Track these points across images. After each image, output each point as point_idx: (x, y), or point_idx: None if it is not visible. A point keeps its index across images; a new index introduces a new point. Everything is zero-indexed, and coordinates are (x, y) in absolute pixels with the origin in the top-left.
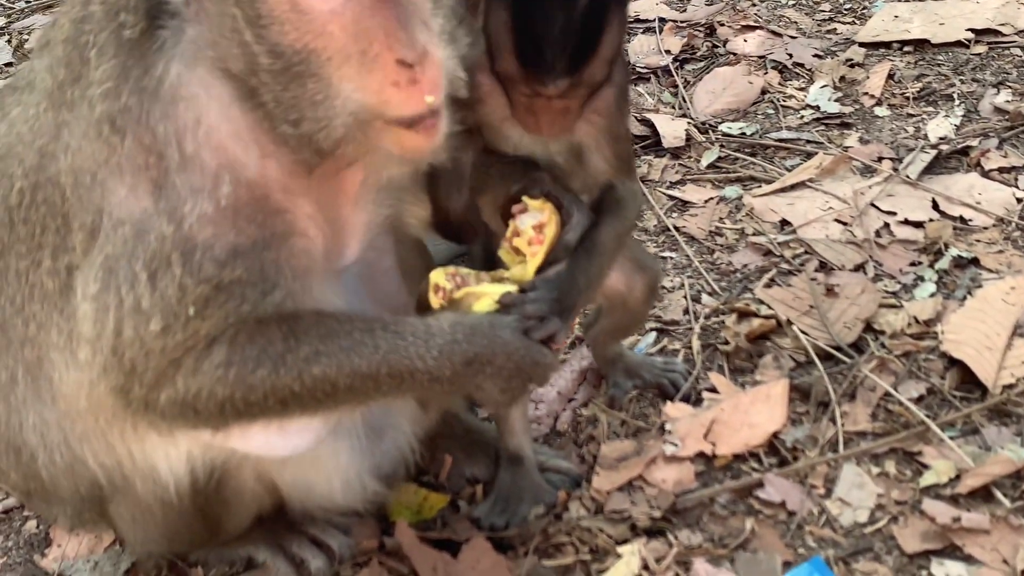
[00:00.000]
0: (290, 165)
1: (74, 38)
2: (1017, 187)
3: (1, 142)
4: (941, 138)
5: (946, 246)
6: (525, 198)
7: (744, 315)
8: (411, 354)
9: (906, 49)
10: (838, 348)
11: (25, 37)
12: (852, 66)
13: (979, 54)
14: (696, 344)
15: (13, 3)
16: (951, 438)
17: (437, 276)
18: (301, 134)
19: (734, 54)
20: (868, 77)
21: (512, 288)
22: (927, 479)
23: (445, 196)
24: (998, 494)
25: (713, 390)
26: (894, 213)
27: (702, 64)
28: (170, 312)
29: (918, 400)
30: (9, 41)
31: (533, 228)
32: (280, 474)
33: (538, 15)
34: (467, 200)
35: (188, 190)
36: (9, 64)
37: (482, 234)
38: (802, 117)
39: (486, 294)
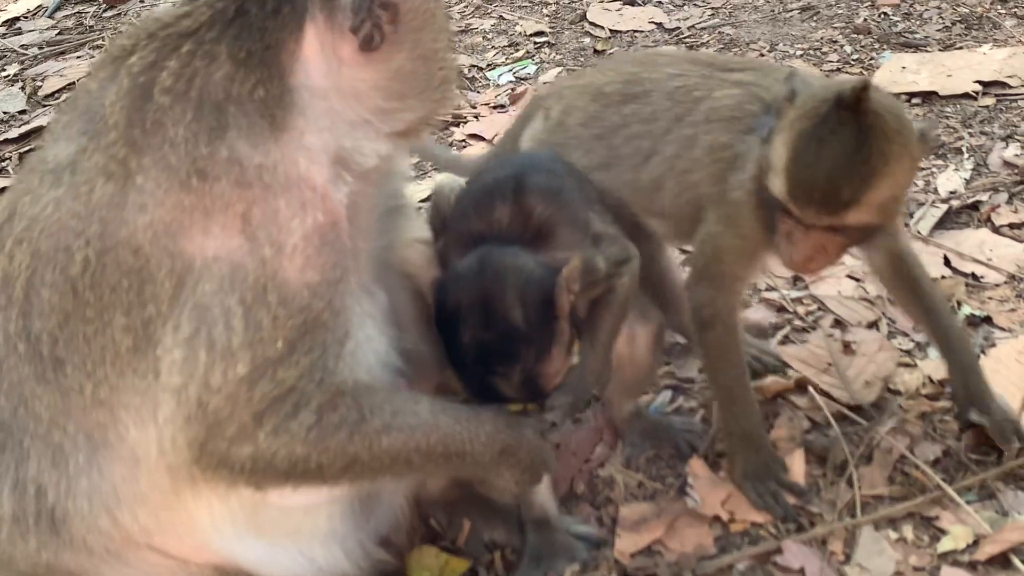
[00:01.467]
0: (351, 199)
1: (132, 122)
2: None
3: (49, 221)
4: (951, 192)
5: (959, 304)
6: None
7: (759, 372)
8: (464, 437)
9: (914, 101)
10: (857, 408)
11: (39, 84)
12: None
13: (987, 106)
14: (708, 400)
15: (27, 49)
16: (969, 502)
17: None
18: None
19: None
20: None
21: None
22: (945, 545)
23: None
24: (1016, 561)
25: None
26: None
27: None
28: (260, 353)
29: (934, 463)
30: (23, 88)
31: None
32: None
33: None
34: None
35: (282, 221)
36: (23, 111)
37: None
38: None
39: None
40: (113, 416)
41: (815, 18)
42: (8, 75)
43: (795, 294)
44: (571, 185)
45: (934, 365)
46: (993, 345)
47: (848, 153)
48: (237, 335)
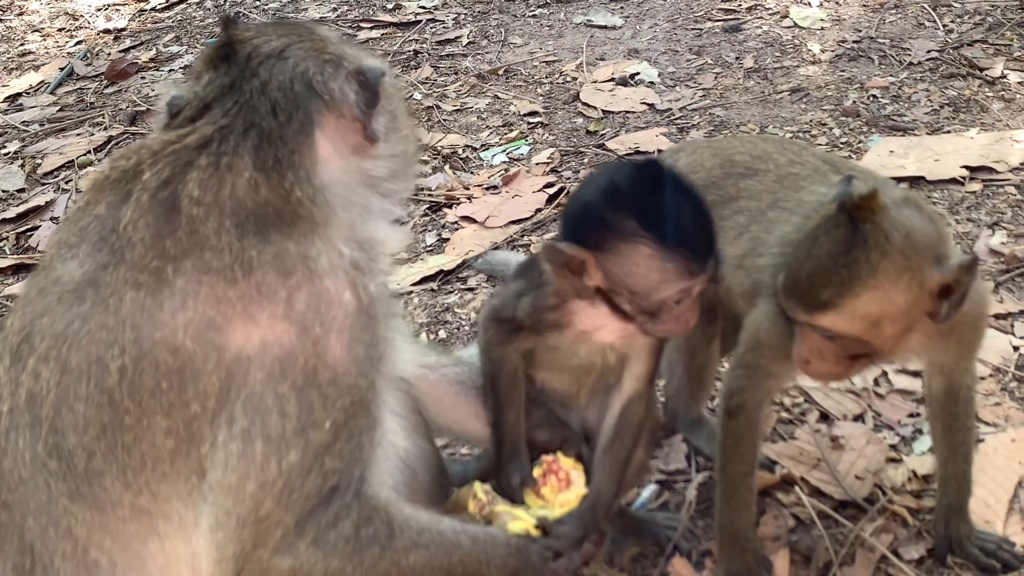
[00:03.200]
0: (377, 287)
1: (162, 234)
2: (1013, 334)
3: (77, 336)
4: None
5: None
6: (559, 453)
7: None
8: (481, 559)
9: (902, 185)
10: (842, 504)
11: (38, 161)
12: None
13: (974, 192)
14: (691, 497)
15: (28, 126)
16: None
17: (479, 488)
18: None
19: None
20: None
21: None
22: None
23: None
24: None
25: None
26: (891, 362)
27: None
28: (311, 439)
29: (918, 562)
30: (22, 166)
31: (559, 480)
32: None
33: None
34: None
35: (328, 302)
36: (21, 190)
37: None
38: None
39: (520, 517)
40: (151, 527)
41: (804, 100)
42: (8, 152)
43: None
44: None
45: (919, 461)
46: (980, 440)
47: (834, 254)
48: (291, 421)
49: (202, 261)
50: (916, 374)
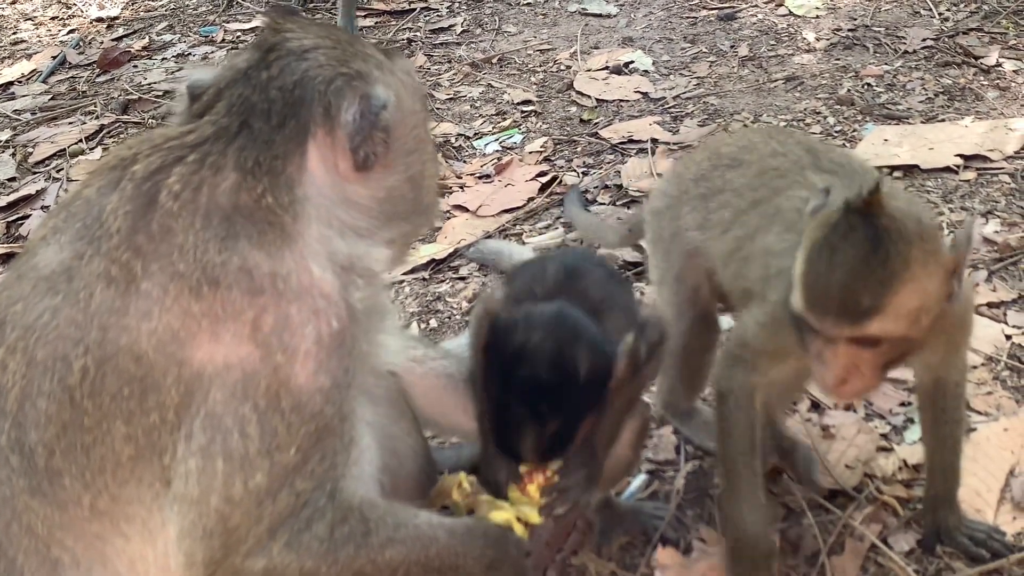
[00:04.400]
0: (360, 304)
1: (137, 228)
2: (1006, 323)
3: (45, 329)
4: None
5: None
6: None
7: None
8: (459, 551)
9: (896, 175)
10: (832, 494)
11: (29, 150)
12: None
13: (968, 180)
14: (680, 486)
15: (19, 115)
16: None
17: (464, 478)
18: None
19: None
20: None
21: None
22: None
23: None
24: None
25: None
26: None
27: None
28: (277, 461)
29: (908, 553)
30: (13, 155)
31: (546, 478)
32: None
33: None
34: None
35: (294, 328)
36: (12, 179)
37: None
38: None
39: (503, 508)
40: (113, 528)
41: (799, 89)
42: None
43: None
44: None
45: (910, 450)
46: (973, 429)
47: (863, 257)
48: (253, 443)
49: (170, 264)
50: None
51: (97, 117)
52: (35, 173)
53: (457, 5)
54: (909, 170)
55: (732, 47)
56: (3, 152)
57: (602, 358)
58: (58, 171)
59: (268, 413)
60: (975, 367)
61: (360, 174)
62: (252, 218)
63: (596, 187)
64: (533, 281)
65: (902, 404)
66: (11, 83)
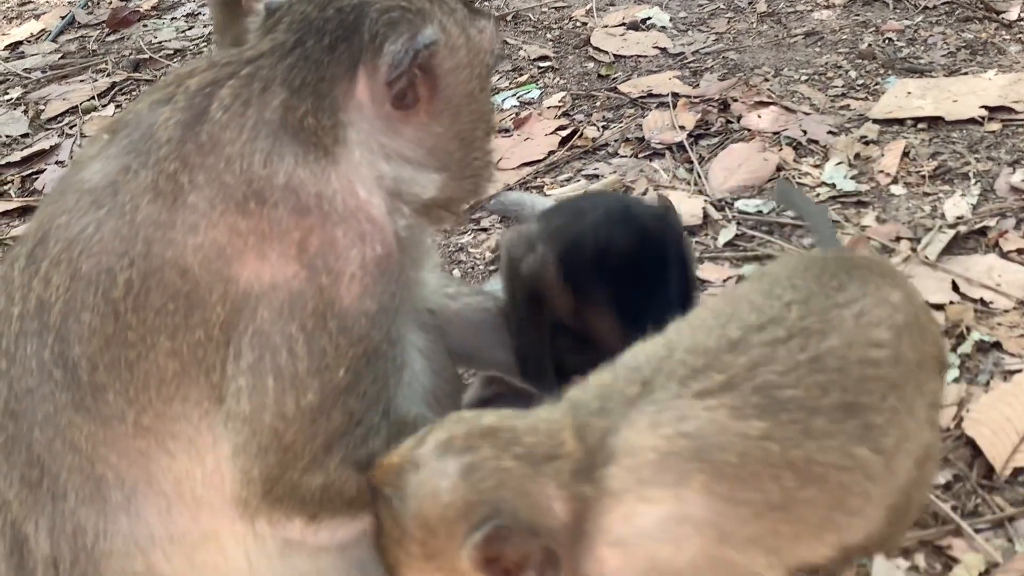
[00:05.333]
0: (406, 232)
1: (186, 138)
2: None
3: (89, 241)
4: (958, 218)
5: (968, 330)
6: None
7: None
8: None
9: (920, 126)
10: None
11: (41, 107)
12: (867, 143)
13: (993, 131)
14: None
15: (30, 73)
16: (979, 530)
17: None
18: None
19: (748, 130)
20: (883, 155)
21: None
22: (957, 574)
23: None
24: None
25: None
26: None
27: (716, 140)
28: (328, 381)
29: (946, 488)
30: (25, 112)
31: None
32: None
33: None
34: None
35: (339, 251)
36: (25, 135)
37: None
38: (818, 195)
39: None
40: (159, 445)
41: (819, 43)
42: (11, 99)
43: None
44: None
45: (946, 388)
46: (1004, 371)
47: None
48: (302, 362)
49: (217, 176)
50: (939, 307)
51: (109, 75)
52: (48, 129)
53: None
54: (933, 122)
55: (750, 3)
56: (15, 109)
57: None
58: (71, 127)
59: (316, 333)
60: (1006, 311)
61: (401, 112)
62: (297, 137)
63: (616, 140)
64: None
65: None
66: (20, 42)
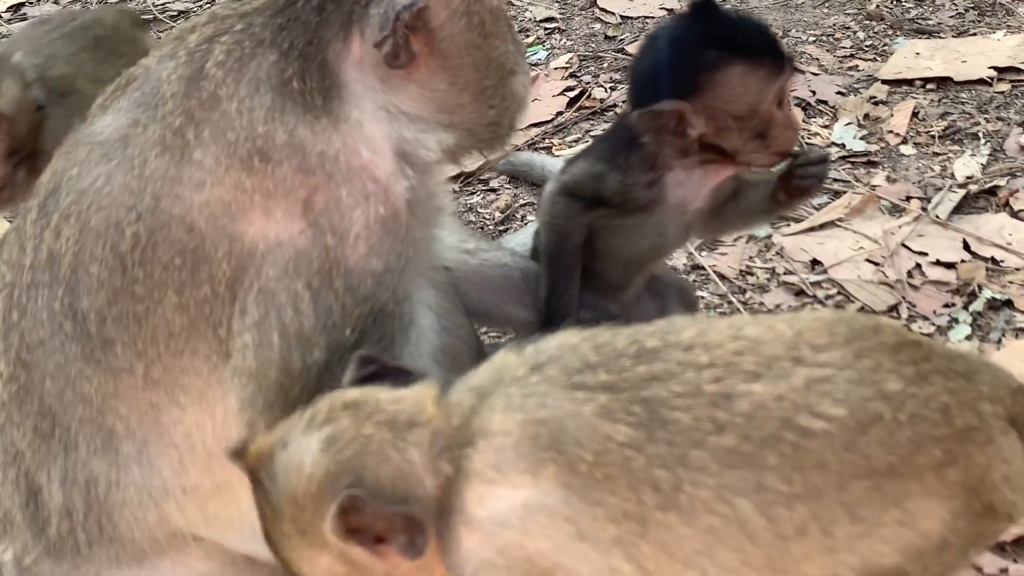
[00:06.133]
0: (412, 192)
1: (190, 93)
2: None
3: (99, 195)
4: (968, 177)
5: (980, 288)
6: None
7: None
8: None
9: (929, 87)
10: None
11: None
12: (876, 104)
13: (1002, 92)
14: None
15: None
16: None
17: None
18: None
19: None
20: (892, 115)
21: None
22: None
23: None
24: None
25: None
26: (925, 254)
27: None
28: (334, 339)
29: None
30: None
31: None
32: None
33: None
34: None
35: (344, 211)
36: None
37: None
38: (828, 155)
39: None
40: (169, 398)
41: (827, 4)
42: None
43: (814, 278)
44: None
45: (958, 347)
46: (1015, 328)
47: None
48: (308, 320)
49: (221, 133)
50: (951, 265)
51: (169, 32)
52: None
53: None
54: (942, 82)
55: None
56: None
57: None
58: None
59: (321, 292)
60: (1017, 269)
61: (401, 71)
62: (291, 97)
63: (624, 101)
64: None
65: (945, 306)
66: (22, 3)
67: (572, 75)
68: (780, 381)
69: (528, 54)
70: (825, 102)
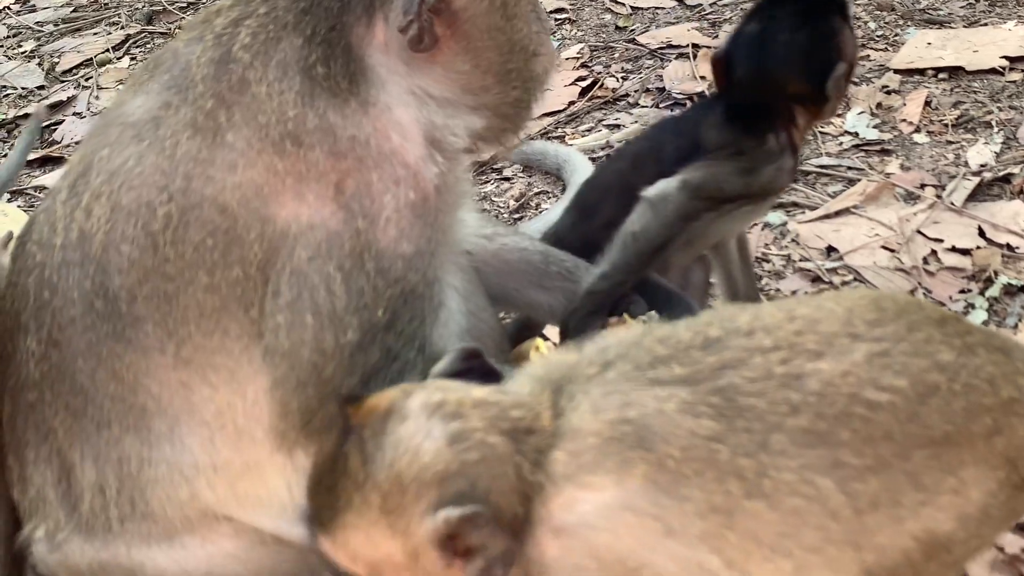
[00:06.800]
0: (440, 178)
1: (219, 76)
2: None
3: (130, 175)
4: (982, 165)
5: (995, 274)
6: (626, 315)
7: None
8: None
9: (941, 76)
10: None
11: (56, 60)
12: (888, 93)
13: (1014, 81)
14: None
15: (42, 26)
16: None
17: (540, 343)
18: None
19: None
20: (905, 104)
21: None
22: None
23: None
24: None
25: None
26: (941, 240)
27: None
28: (366, 319)
29: None
30: (40, 64)
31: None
32: None
33: None
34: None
35: (375, 195)
36: (41, 87)
37: None
38: (841, 144)
39: None
40: (200, 377)
41: None
42: (25, 51)
43: (830, 264)
44: None
45: None
46: None
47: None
48: (340, 300)
49: (253, 116)
50: (966, 252)
51: (122, 27)
52: (63, 81)
53: None
54: (954, 72)
55: None
56: (29, 61)
57: None
58: (87, 79)
59: (353, 273)
60: None
61: (425, 55)
62: (317, 81)
63: (637, 91)
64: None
65: (961, 291)
66: None
67: (583, 65)
68: (843, 357)
69: None
70: None
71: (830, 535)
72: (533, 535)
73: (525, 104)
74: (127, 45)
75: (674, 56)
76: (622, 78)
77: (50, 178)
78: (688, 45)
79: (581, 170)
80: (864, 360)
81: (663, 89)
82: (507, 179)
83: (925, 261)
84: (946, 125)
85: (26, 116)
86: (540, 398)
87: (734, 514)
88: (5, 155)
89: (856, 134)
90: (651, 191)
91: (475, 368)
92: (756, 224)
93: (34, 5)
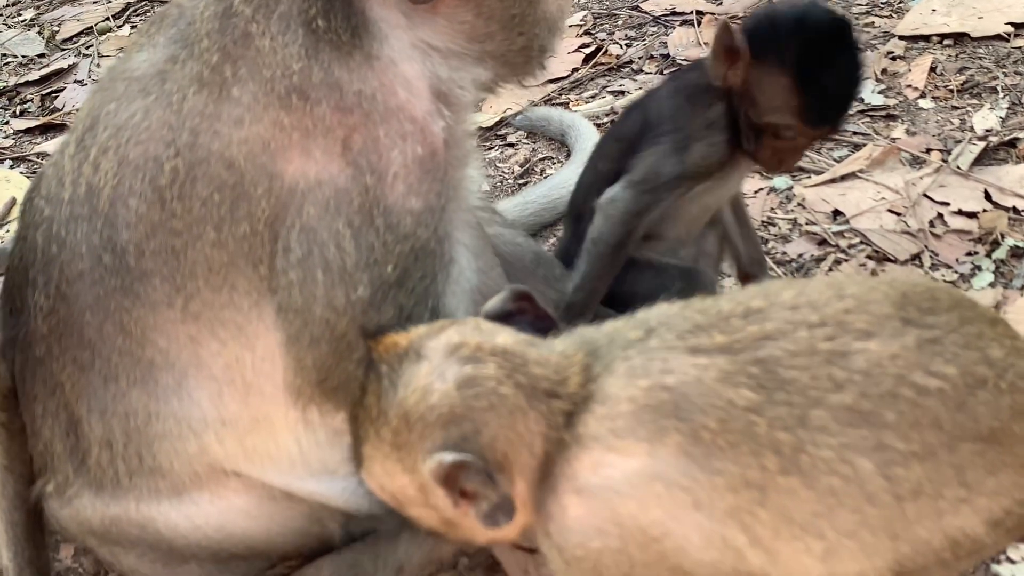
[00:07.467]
0: (448, 132)
1: (223, 29)
2: None
3: (137, 129)
4: (988, 130)
5: (1002, 236)
6: None
7: None
8: None
9: (946, 42)
10: None
11: (56, 28)
12: (893, 59)
13: (1019, 47)
14: None
15: None
16: None
17: None
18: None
19: None
20: (910, 70)
21: None
22: None
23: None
24: None
25: None
26: (947, 204)
27: None
28: (376, 276)
29: None
30: (40, 32)
31: None
32: None
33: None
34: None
35: (382, 151)
36: (42, 55)
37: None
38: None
39: None
40: (208, 331)
41: None
42: (24, 19)
43: (837, 228)
44: None
45: (979, 296)
46: None
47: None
48: (350, 257)
49: (257, 70)
50: (972, 215)
51: None
52: (64, 50)
53: None
54: (959, 38)
55: None
56: (29, 29)
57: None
58: (87, 48)
59: (363, 229)
60: None
61: (426, 5)
62: (319, 34)
63: (641, 58)
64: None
65: (968, 254)
66: None
67: (587, 32)
68: (893, 340)
69: None
70: None
71: (866, 520)
72: (555, 492)
73: (532, 47)
74: (127, 13)
75: (678, 23)
76: (626, 45)
77: (51, 145)
78: (692, 12)
79: (586, 136)
80: (915, 345)
81: (667, 56)
82: (511, 145)
83: (931, 224)
84: (951, 91)
85: (28, 84)
86: (572, 359)
87: (767, 490)
88: (7, 122)
89: (861, 99)
90: (602, 198)
91: (527, 311)
92: (761, 189)
93: None
